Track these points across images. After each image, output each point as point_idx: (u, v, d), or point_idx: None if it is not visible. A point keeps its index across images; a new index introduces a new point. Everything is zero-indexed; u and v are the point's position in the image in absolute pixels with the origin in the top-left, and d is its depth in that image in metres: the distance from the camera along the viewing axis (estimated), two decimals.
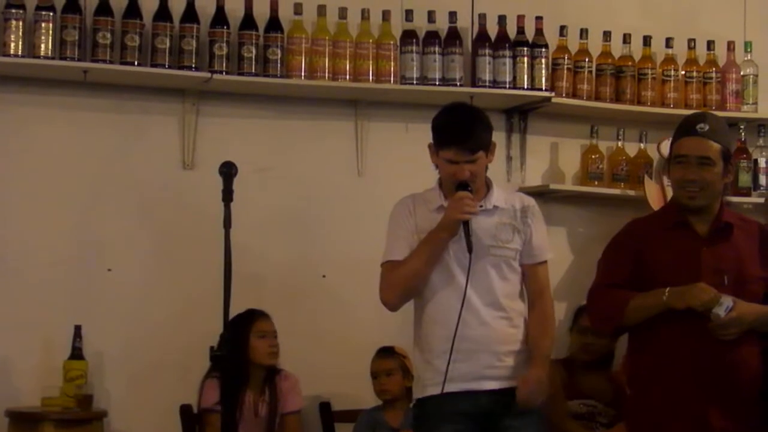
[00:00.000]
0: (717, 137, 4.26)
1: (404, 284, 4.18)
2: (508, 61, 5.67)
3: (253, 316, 5.13)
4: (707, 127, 4.20)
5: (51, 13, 5.15)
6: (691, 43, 5.99)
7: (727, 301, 4.07)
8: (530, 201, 4.36)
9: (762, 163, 5.95)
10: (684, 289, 4.11)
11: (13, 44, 5.12)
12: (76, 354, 5.17)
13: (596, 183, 5.86)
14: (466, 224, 4.10)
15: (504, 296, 4.20)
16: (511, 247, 4.23)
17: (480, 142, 4.16)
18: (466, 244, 4.08)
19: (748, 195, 5.86)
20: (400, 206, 4.30)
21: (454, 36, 5.65)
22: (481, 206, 4.18)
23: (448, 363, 4.05)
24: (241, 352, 5.01)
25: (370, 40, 5.53)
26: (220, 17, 5.37)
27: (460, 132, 4.14)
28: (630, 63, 5.91)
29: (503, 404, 4.13)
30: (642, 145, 5.92)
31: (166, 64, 5.28)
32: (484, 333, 4.12)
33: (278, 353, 5.17)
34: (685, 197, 4.25)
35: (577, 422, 5.21)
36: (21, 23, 5.13)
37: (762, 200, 5.80)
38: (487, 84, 5.63)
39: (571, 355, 5.49)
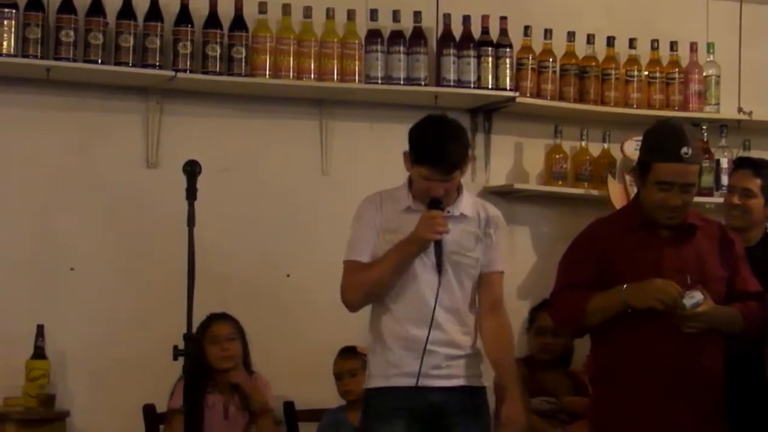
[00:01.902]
0: (698, 159, 4.27)
1: (368, 289, 4.19)
2: (472, 60, 5.68)
3: (208, 321, 5.11)
4: (691, 152, 4.15)
5: (13, 11, 5.12)
6: (654, 44, 6.03)
7: (698, 296, 4.09)
8: (496, 212, 4.36)
9: (724, 163, 5.98)
10: (642, 287, 4.12)
11: None
12: (39, 353, 5.14)
13: (560, 183, 5.88)
14: (437, 243, 4.11)
15: (461, 303, 4.23)
16: (473, 256, 4.25)
17: (457, 163, 4.15)
18: (436, 264, 4.11)
19: (710, 195, 5.89)
20: (368, 203, 4.30)
21: (418, 35, 5.65)
22: (448, 212, 4.19)
23: (422, 361, 4.08)
24: (202, 358, 4.98)
25: (335, 40, 5.53)
26: (184, 16, 5.35)
27: (437, 153, 4.10)
28: (594, 63, 5.93)
29: (452, 400, 4.17)
30: (605, 145, 5.95)
31: (130, 62, 5.25)
32: (437, 336, 4.14)
33: (233, 356, 5.14)
34: (665, 219, 4.24)
35: (540, 418, 5.23)
36: None
37: (723, 200, 5.84)
38: (452, 83, 5.64)
39: (531, 354, 5.52)
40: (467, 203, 4.28)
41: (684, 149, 4.14)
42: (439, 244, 4.11)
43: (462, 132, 4.24)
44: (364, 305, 4.26)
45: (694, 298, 4.08)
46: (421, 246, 4.12)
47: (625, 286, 4.14)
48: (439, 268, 4.12)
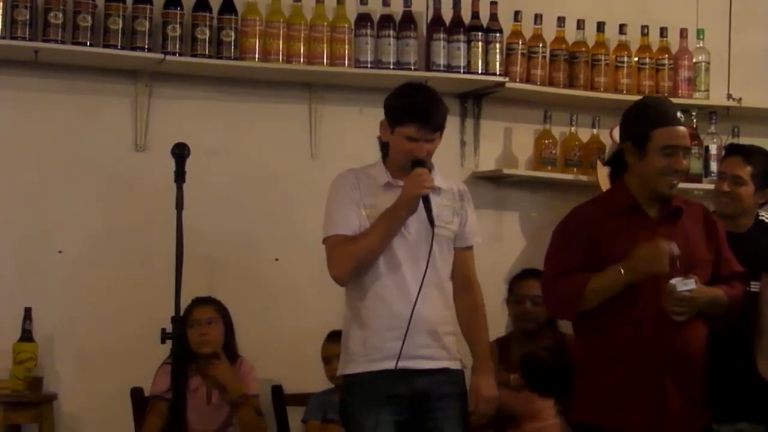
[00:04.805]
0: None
1: (359, 260, 4.16)
2: (462, 45, 5.67)
3: (191, 304, 5.07)
4: (682, 116, 4.23)
5: None
6: (644, 30, 6.03)
7: (692, 284, 4.10)
8: (464, 186, 4.44)
9: (713, 150, 5.99)
10: (633, 262, 4.09)
11: None
12: (26, 336, 5.14)
13: (549, 168, 5.88)
14: (426, 200, 4.11)
15: (443, 276, 4.25)
16: (452, 229, 4.27)
17: (441, 121, 4.20)
18: (427, 218, 4.10)
19: (699, 181, 5.90)
20: (343, 179, 4.29)
21: (408, 20, 5.65)
22: None
23: (404, 341, 4.06)
24: (183, 342, 4.93)
25: (325, 23, 5.52)
26: None
27: (426, 110, 4.15)
28: (584, 49, 5.93)
29: (435, 384, 4.18)
30: (595, 131, 5.95)
31: (119, 44, 5.24)
32: (423, 312, 4.12)
33: (211, 341, 5.11)
34: (667, 186, 4.23)
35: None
36: None
37: (712, 187, 5.84)
38: (442, 68, 5.64)
39: (509, 331, 5.50)
40: (440, 178, 4.29)
41: (678, 113, 4.23)
42: (427, 200, 4.11)
43: (440, 95, 4.28)
44: (354, 278, 4.21)
45: (688, 285, 4.10)
46: (410, 206, 4.11)
47: (620, 266, 4.13)
48: (431, 221, 4.10)
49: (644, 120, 4.27)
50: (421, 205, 4.12)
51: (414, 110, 4.15)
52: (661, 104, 4.31)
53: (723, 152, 5.31)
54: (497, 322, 5.49)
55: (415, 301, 4.09)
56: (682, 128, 4.21)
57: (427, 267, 4.11)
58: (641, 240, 4.17)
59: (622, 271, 4.13)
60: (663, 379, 4.14)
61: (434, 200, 4.19)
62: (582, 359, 4.39)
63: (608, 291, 4.18)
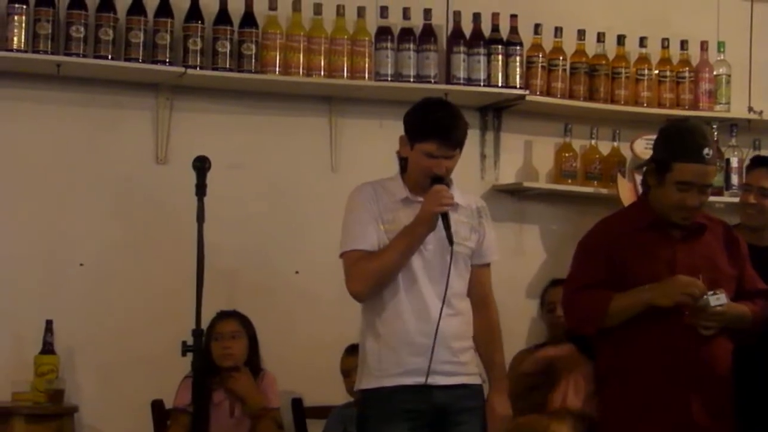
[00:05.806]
0: (716, 160, 4.27)
1: (378, 277, 4.14)
2: (482, 58, 5.67)
3: (216, 318, 5.10)
4: (712, 152, 4.16)
5: (24, 6, 5.12)
6: (665, 43, 6.02)
7: (723, 298, 4.10)
8: (482, 202, 4.41)
9: (734, 162, 5.98)
10: (667, 285, 4.10)
11: None
12: (47, 349, 5.15)
13: (569, 181, 5.87)
14: (445, 217, 4.09)
15: (459, 293, 4.23)
16: (468, 245, 4.25)
17: (461, 138, 4.18)
18: (446, 236, 4.08)
19: (721, 194, 5.88)
20: (362, 193, 4.27)
21: (429, 33, 5.65)
22: None
23: (431, 357, 4.06)
24: (207, 355, 4.95)
25: (345, 37, 5.53)
26: (194, 12, 5.36)
27: (446, 126, 4.13)
28: (604, 62, 5.92)
29: (454, 399, 4.16)
30: (615, 144, 5.94)
31: (140, 58, 5.26)
32: (441, 328, 4.10)
33: (233, 355, 5.11)
34: (679, 218, 4.23)
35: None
36: None
37: (735, 200, 5.82)
38: (462, 81, 5.64)
39: (551, 336, 5.49)
40: (458, 194, 4.27)
41: (706, 150, 4.15)
42: (446, 217, 4.10)
43: (460, 111, 4.26)
44: (373, 294, 4.19)
45: (720, 299, 4.09)
46: (429, 224, 4.09)
47: (647, 286, 4.13)
48: (450, 239, 4.08)
49: (669, 148, 4.24)
50: (440, 222, 4.11)
51: (434, 127, 4.13)
52: (691, 136, 4.21)
53: (747, 164, 5.30)
54: (517, 335, 5.50)
55: (439, 320, 4.07)
56: (704, 166, 4.16)
57: (447, 286, 4.10)
58: (664, 256, 4.17)
59: (648, 295, 4.11)
60: (689, 392, 4.14)
61: (452, 217, 4.16)
62: (605, 371, 4.38)
63: (631, 311, 4.18)
